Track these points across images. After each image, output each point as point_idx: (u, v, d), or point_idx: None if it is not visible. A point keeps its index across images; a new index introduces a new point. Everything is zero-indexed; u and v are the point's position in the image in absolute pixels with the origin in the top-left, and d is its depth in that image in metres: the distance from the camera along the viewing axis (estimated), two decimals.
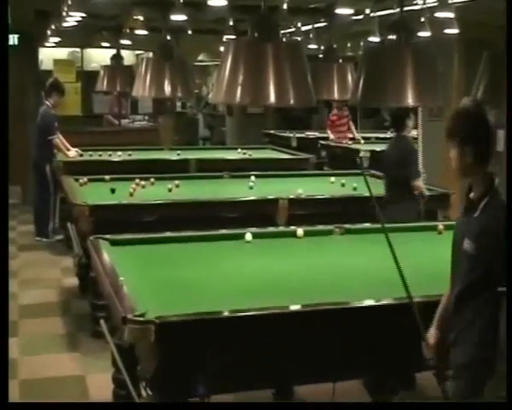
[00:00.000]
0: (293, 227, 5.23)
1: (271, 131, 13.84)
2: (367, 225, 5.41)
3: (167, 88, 7.30)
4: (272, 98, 4.14)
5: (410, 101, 4.57)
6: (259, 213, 6.49)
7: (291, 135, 13.19)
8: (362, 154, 10.04)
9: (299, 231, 5.10)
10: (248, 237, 4.97)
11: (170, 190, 7.17)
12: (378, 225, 5.34)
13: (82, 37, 13.84)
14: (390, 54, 4.74)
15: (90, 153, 9.87)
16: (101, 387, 4.85)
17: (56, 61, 14.82)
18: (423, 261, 4.59)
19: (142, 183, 7.44)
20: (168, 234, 5.08)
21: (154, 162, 9.32)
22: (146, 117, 16.23)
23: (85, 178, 7.52)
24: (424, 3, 7.69)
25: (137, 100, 15.26)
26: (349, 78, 7.95)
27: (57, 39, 12.87)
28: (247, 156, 10.26)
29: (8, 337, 4.25)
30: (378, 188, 7.45)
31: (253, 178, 7.71)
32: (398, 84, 4.54)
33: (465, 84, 8.40)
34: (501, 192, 2.97)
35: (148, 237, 4.98)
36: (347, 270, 4.37)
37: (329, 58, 8.38)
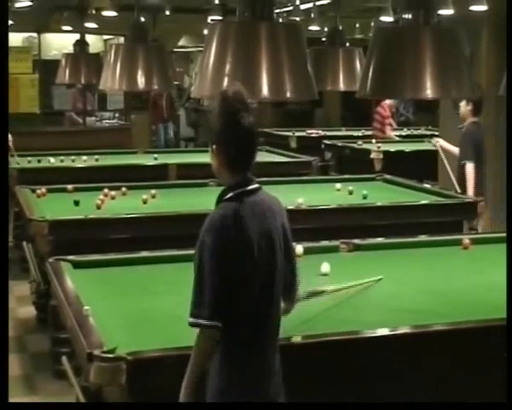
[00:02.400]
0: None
1: (267, 130, 13.87)
2: (379, 240, 5.41)
3: (141, 79, 7.31)
4: (266, 91, 4.16)
5: (430, 92, 4.57)
6: None
7: (290, 134, 13.21)
8: (373, 155, 10.07)
9: (299, 249, 5.09)
10: (325, 268, 4.71)
11: (145, 202, 7.16)
12: (393, 240, 5.43)
13: (39, 19, 13.86)
14: (406, 35, 4.75)
15: (50, 158, 9.85)
16: None
17: (8, 49, 14.84)
18: (442, 283, 4.63)
19: (112, 193, 7.44)
20: (143, 254, 5.10)
21: (127, 168, 9.33)
22: (116, 114, 16.24)
23: (44, 189, 7.51)
24: None
25: (106, 94, 15.27)
26: (357, 65, 7.99)
27: (9, 22, 12.89)
28: None
29: None
30: (395, 195, 7.49)
31: None
32: (415, 73, 4.55)
33: (496, 69, 8.42)
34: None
35: (119, 257, 4.98)
36: (358, 296, 4.35)
37: (334, 41, 8.42)
